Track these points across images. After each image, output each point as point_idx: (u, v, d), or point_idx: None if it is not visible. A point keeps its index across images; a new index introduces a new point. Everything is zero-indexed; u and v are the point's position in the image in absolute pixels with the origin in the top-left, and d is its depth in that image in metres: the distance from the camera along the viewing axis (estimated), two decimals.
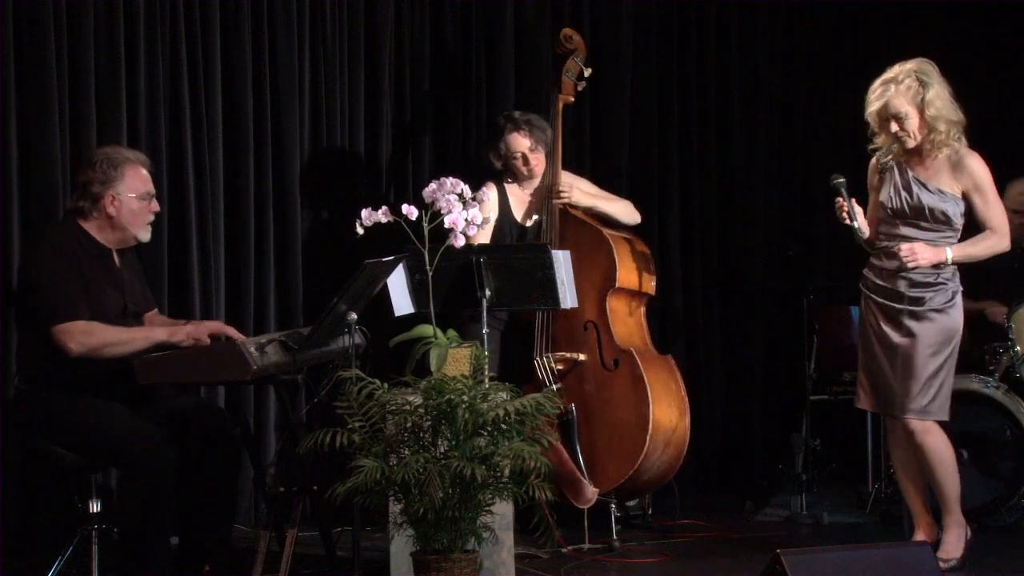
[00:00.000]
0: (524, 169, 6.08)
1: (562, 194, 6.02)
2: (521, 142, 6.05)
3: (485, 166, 6.24)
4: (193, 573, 4.96)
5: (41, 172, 5.69)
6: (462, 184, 4.67)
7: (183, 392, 5.20)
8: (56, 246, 4.89)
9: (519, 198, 6.14)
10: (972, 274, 5.46)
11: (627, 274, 5.98)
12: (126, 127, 5.88)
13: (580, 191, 6.10)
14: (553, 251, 5.53)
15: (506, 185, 6.13)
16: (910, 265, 5.15)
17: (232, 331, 4.97)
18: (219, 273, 6.13)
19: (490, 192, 5.98)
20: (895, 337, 5.22)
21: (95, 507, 4.94)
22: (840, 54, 7.65)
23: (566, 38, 6.22)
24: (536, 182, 6.14)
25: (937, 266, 5.18)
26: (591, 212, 6.10)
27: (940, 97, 5.15)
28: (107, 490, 5.27)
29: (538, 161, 6.08)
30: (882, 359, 5.27)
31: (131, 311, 4.99)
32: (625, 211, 6.19)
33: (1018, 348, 6.19)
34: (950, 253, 5.18)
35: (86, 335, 4.75)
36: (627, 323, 6.02)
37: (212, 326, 4.97)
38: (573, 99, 6.24)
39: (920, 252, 5.15)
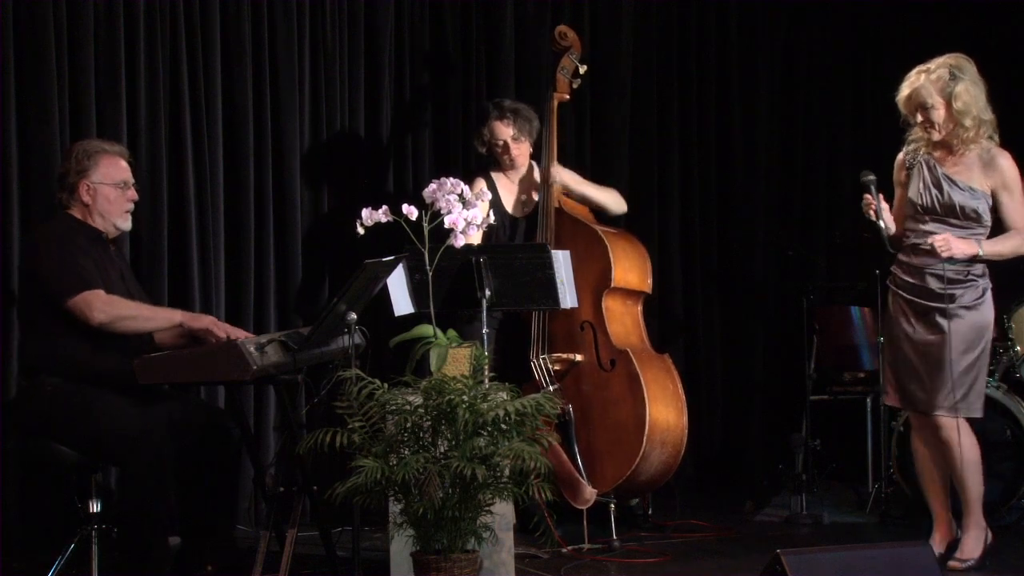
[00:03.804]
0: (505, 158, 6.08)
1: (552, 179, 6.02)
2: (504, 130, 6.04)
3: (474, 155, 6.25)
4: (195, 573, 4.96)
5: (41, 172, 5.69)
6: (462, 184, 4.67)
7: (183, 392, 5.20)
8: (56, 230, 4.94)
9: (508, 189, 6.14)
10: None
11: (623, 273, 5.98)
12: (126, 127, 5.89)
13: (571, 178, 6.10)
14: (553, 251, 5.53)
15: (494, 176, 6.12)
16: (944, 255, 5.14)
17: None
18: (219, 273, 6.13)
19: (481, 186, 5.98)
20: (926, 334, 5.23)
21: (95, 507, 4.94)
22: (840, 54, 7.65)
23: (560, 35, 6.22)
24: (524, 171, 6.14)
25: (970, 260, 5.18)
26: (583, 200, 6.11)
27: (969, 92, 5.16)
28: (107, 490, 5.27)
29: (520, 151, 6.08)
30: (912, 356, 5.27)
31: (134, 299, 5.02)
32: (614, 200, 6.19)
33: (1018, 348, 6.20)
34: (983, 248, 5.19)
35: (109, 304, 4.77)
36: (624, 322, 6.01)
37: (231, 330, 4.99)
38: (568, 97, 6.23)
39: (954, 243, 5.16)
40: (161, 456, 4.70)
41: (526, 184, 6.15)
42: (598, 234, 5.99)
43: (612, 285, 5.94)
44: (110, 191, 4.96)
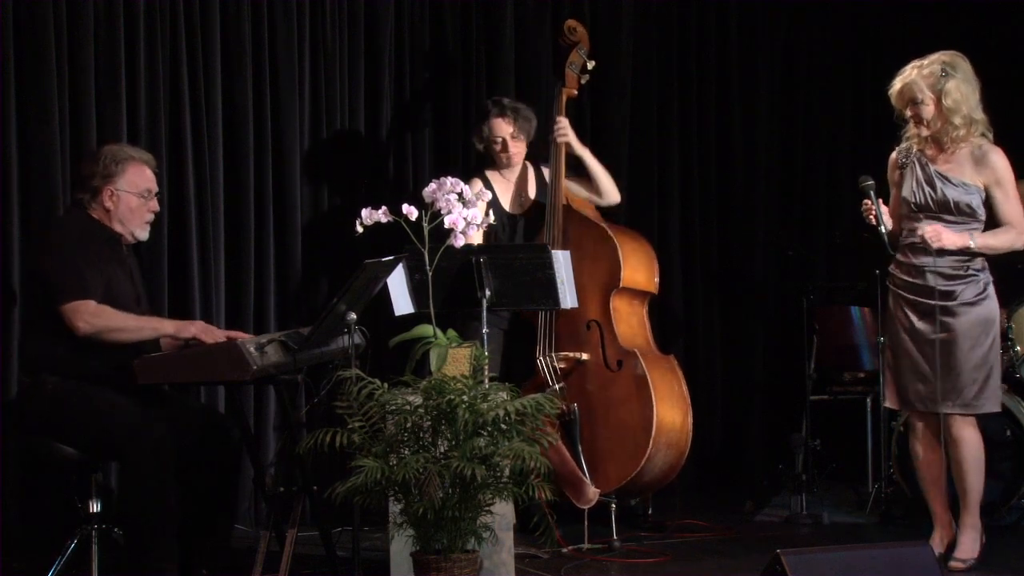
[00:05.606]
0: (503, 156, 6.08)
1: (560, 132, 6.01)
2: (503, 127, 6.05)
3: (474, 155, 6.25)
4: (193, 574, 4.96)
5: (41, 172, 5.70)
6: (462, 184, 4.67)
7: (183, 392, 5.20)
8: (66, 229, 4.96)
9: (505, 188, 6.14)
10: None
11: (631, 274, 5.97)
12: (126, 127, 5.89)
13: (575, 139, 6.09)
14: (553, 251, 5.52)
15: (489, 176, 6.12)
16: (935, 246, 5.14)
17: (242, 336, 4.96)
18: (219, 273, 6.14)
19: (479, 187, 5.98)
20: (931, 333, 5.22)
21: (95, 507, 4.94)
22: (840, 54, 7.65)
23: (570, 30, 6.20)
24: (518, 170, 6.14)
25: (962, 252, 5.17)
26: (582, 164, 6.08)
27: (960, 90, 5.15)
28: (107, 490, 5.27)
29: (517, 150, 6.09)
30: (917, 356, 5.26)
31: (144, 303, 5.02)
32: (610, 182, 6.16)
33: (1018, 348, 6.19)
34: (974, 241, 5.18)
35: (96, 316, 4.77)
36: (630, 323, 6.01)
37: (223, 334, 4.98)
38: (576, 92, 6.23)
39: (944, 234, 5.15)
40: (162, 449, 4.70)
41: (521, 182, 6.15)
42: (607, 233, 5.98)
43: (621, 285, 5.94)
44: (132, 199, 4.97)
